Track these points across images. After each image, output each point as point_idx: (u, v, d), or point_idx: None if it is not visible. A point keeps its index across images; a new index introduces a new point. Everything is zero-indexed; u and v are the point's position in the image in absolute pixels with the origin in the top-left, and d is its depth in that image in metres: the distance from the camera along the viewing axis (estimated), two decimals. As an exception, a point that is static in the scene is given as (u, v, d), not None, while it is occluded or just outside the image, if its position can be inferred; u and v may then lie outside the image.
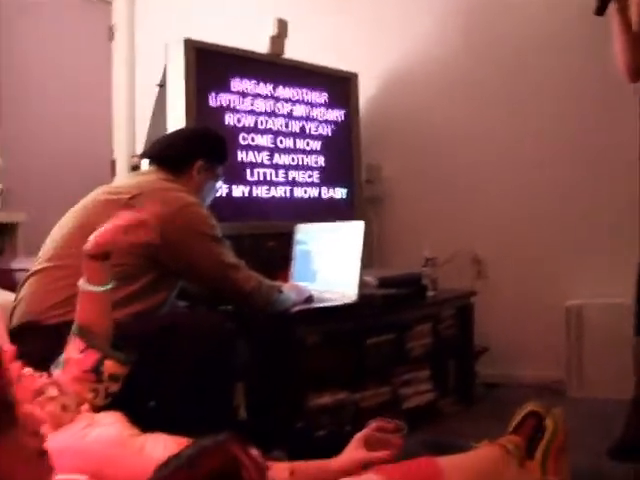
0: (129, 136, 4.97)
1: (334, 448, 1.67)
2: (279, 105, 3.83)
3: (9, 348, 1.82)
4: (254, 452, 1.25)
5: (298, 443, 2.70)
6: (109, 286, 2.03)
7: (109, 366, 1.97)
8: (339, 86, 4.16)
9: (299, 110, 3.91)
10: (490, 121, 4.22)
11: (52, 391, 1.88)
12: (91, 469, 1.48)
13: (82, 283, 2.02)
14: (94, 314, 2.01)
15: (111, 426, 1.84)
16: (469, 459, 1.64)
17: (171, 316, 2.48)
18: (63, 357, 1.97)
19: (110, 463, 1.55)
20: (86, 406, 1.93)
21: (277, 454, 2.09)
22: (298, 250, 3.29)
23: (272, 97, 3.79)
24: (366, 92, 4.31)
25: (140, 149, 4.47)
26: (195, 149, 2.74)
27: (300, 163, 3.91)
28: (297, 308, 2.83)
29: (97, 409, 1.95)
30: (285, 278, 3.10)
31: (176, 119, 3.37)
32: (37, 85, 4.51)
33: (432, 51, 4.34)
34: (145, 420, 1.92)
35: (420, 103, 4.38)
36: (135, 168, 4.48)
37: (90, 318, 2.00)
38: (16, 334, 2.19)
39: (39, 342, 2.13)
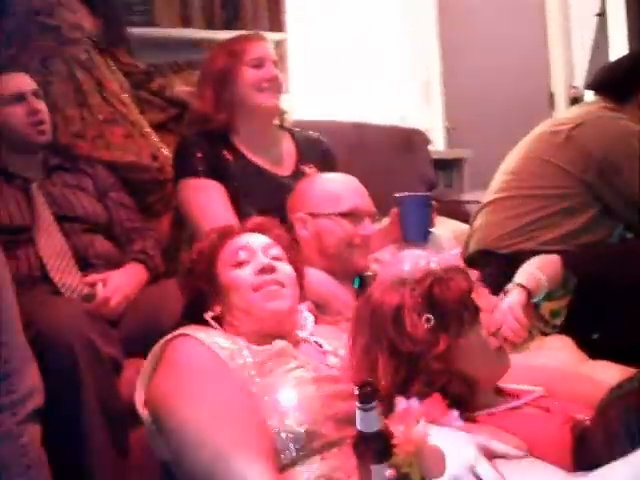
0: (567, 68, 4.89)
1: None
2: None
3: (474, 272, 1.98)
4: None
5: None
6: None
7: (547, 306, 2.04)
8: None
9: None
10: None
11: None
12: (543, 385, 1.56)
13: None
14: None
15: (561, 350, 1.93)
16: None
17: (614, 248, 2.48)
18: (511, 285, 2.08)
19: (560, 383, 1.62)
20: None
21: None
22: None
23: None
24: None
25: (579, 81, 4.40)
26: None
27: None
28: None
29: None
30: None
31: (619, 48, 3.25)
32: (475, 24, 4.63)
33: None
34: (589, 350, 1.97)
35: None
36: (574, 100, 4.43)
37: None
38: (472, 261, 2.35)
39: (492, 269, 2.28)
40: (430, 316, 1.38)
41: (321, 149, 2.43)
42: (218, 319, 1.65)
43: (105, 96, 2.62)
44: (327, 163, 2.36)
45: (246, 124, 2.29)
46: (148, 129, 2.67)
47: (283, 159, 2.33)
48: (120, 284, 2.12)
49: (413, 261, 1.86)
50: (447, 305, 1.39)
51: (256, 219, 1.81)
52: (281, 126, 2.40)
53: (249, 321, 1.62)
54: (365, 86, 4.06)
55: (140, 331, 2.03)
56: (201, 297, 1.68)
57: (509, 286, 2.00)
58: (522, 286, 1.98)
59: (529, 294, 1.97)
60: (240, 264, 1.65)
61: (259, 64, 2.27)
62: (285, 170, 2.30)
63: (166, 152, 2.62)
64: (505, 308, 1.91)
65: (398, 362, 1.37)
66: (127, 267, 2.22)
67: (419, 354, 1.37)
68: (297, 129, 2.45)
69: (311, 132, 2.47)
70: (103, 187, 2.42)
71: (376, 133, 3.33)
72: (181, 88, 2.86)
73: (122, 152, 2.56)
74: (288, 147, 2.37)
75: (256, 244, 1.69)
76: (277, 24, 3.69)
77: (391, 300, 1.42)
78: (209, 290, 1.67)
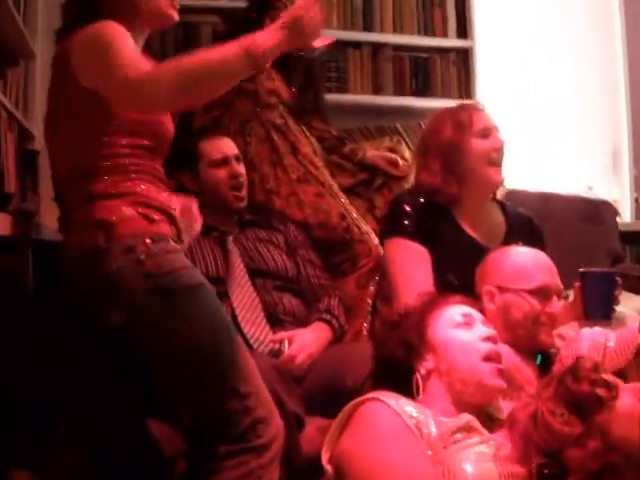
0: None
1: None
2: None
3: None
4: None
5: None
6: None
7: None
8: None
9: None
10: None
11: None
12: None
13: None
14: None
15: None
16: None
17: None
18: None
19: None
20: None
21: None
22: None
23: None
24: None
25: None
26: None
27: None
28: None
29: None
30: None
31: None
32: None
33: None
34: None
35: None
36: None
37: None
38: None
39: None
40: (562, 411, 1.39)
41: (531, 228, 2.42)
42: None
43: (299, 158, 2.76)
44: (535, 243, 2.30)
45: (470, 195, 2.30)
46: (338, 190, 2.77)
47: (494, 233, 2.33)
48: (305, 343, 2.19)
49: (592, 340, 1.85)
50: (578, 396, 1.40)
51: (458, 297, 1.86)
52: (493, 198, 2.41)
53: (464, 383, 1.68)
54: (552, 154, 4.01)
55: (322, 390, 2.10)
56: (407, 349, 1.74)
57: None
58: None
59: None
60: (459, 325, 1.74)
61: (486, 134, 2.29)
62: (494, 243, 2.28)
63: (354, 214, 2.70)
64: None
65: (552, 461, 1.38)
66: (313, 326, 2.29)
67: (564, 449, 1.37)
68: (510, 206, 2.45)
69: (523, 210, 2.47)
70: (293, 244, 2.54)
71: (562, 204, 3.29)
72: (371, 153, 2.93)
73: (313, 211, 2.67)
74: (499, 220, 2.38)
75: (476, 314, 1.79)
76: (467, 92, 3.76)
77: (528, 410, 1.47)
78: (418, 343, 1.73)
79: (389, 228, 2.33)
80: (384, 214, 2.50)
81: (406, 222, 2.24)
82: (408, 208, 2.27)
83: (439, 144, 2.30)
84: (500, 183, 2.33)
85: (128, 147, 1.74)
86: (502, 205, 2.44)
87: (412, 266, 2.20)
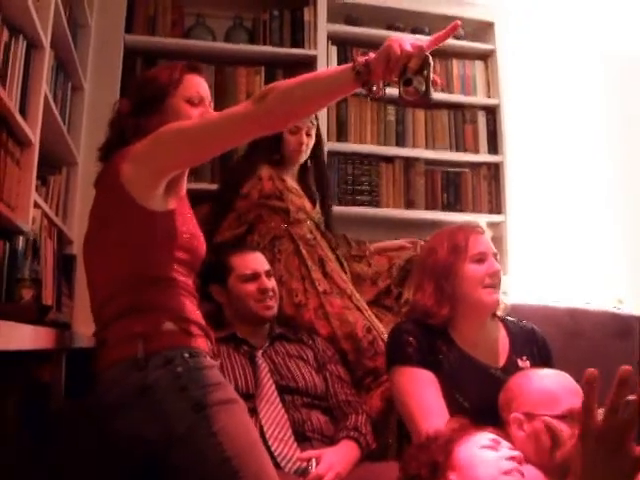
0: None
1: None
2: None
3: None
4: None
5: None
6: None
7: None
8: None
9: None
10: None
11: None
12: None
13: None
14: None
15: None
16: None
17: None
18: None
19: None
20: None
21: None
22: None
23: None
24: None
25: None
26: None
27: None
28: None
29: None
30: None
31: None
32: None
33: None
34: None
35: None
36: None
37: None
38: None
39: None
40: None
41: (536, 341, 2.38)
42: None
43: (326, 271, 2.82)
44: (542, 356, 2.32)
45: (465, 318, 2.29)
46: (363, 303, 2.81)
47: (496, 351, 2.31)
48: (333, 462, 2.17)
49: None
50: None
51: (490, 428, 1.89)
52: (494, 315, 2.38)
53: None
54: (581, 268, 4.03)
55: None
56: (433, 469, 1.75)
57: None
58: None
59: None
60: (486, 447, 1.78)
61: (481, 259, 2.27)
62: (498, 362, 2.28)
63: (381, 327, 2.73)
64: None
65: None
66: (341, 444, 2.28)
67: None
68: (510, 319, 2.43)
69: (525, 322, 2.44)
70: (322, 359, 2.55)
71: (591, 319, 3.26)
72: (375, 245, 3.10)
73: (339, 323, 2.70)
74: (502, 338, 2.35)
75: (504, 442, 1.83)
76: (497, 207, 3.81)
77: None
78: (443, 462, 1.75)
79: (393, 358, 2.29)
80: (386, 344, 2.43)
81: (409, 350, 2.21)
82: (408, 337, 2.24)
83: (434, 266, 2.30)
84: (494, 304, 2.30)
85: (172, 261, 1.81)
86: (503, 320, 2.40)
87: (422, 392, 2.16)
